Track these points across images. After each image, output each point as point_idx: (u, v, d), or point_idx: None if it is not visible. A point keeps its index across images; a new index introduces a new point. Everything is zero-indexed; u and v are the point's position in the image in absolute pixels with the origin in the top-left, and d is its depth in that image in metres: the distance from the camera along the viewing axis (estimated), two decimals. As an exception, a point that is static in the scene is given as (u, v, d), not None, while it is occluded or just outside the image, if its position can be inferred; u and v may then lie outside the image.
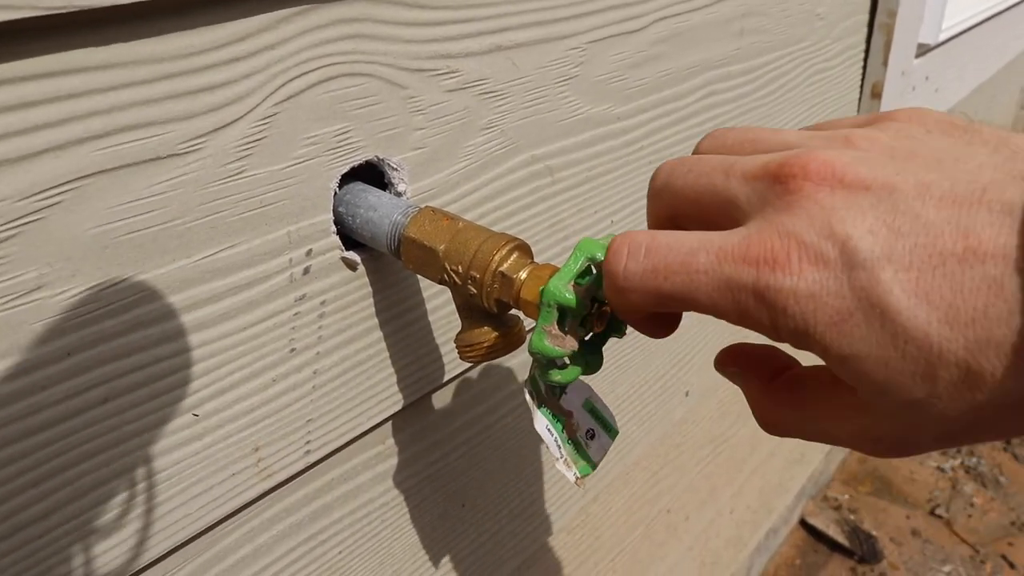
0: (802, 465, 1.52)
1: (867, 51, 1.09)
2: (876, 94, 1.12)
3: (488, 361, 0.44)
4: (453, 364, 0.58)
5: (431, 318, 0.54)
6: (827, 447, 1.60)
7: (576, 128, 0.62)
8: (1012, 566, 1.51)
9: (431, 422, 0.60)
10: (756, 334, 0.27)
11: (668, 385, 0.93)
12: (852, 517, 1.62)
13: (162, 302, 0.39)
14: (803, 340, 0.25)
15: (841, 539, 1.56)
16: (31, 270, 0.34)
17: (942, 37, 1.29)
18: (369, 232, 0.45)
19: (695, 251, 0.27)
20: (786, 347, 0.30)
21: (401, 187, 0.49)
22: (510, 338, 0.43)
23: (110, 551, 0.41)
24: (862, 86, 1.12)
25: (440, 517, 0.64)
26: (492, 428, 0.66)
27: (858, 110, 1.13)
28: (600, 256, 0.36)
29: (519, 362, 0.67)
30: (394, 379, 0.54)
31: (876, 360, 0.24)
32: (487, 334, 0.43)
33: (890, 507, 1.65)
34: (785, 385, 0.31)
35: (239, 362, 0.44)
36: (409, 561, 0.62)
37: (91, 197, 0.35)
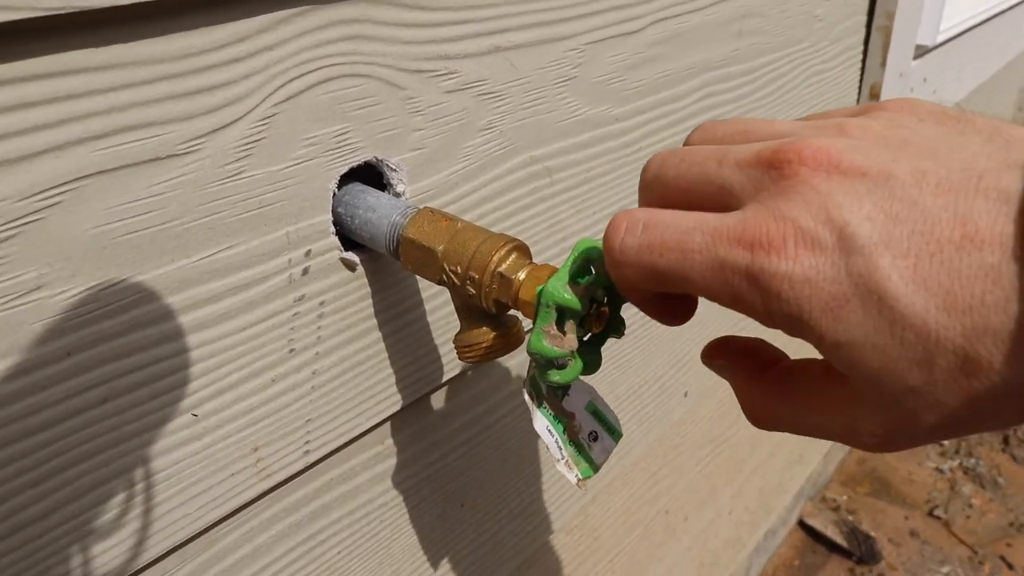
0: (801, 466, 1.52)
1: (865, 52, 1.10)
2: (874, 95, 1.12)
3: (487, 361, 0.44)
4: (452, 364, 0.58)
5: (430, 319, 0.54)
6: (825, 447, 1.60)
7: (575, 129, 0.62)
8: (1011, 567, 1.51)
9: (430, 422, 0.60)
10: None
11: (667, 386, 0.93)
12: (851, 518, 1.62)
13: (161, 302, 0.39)
14: (796, 326, 0.25)
15: (839, 540, 1.56)
16: (31, 270, 0.34)
17: (940, 39, 1.30)
18: (368, 233, 0.45)
19: (691, 230, 0.27)
20: (776, 339, 0.30)
21: (400, 188, 0.49)
22: (509, 338, 0.43)
23: (109, 551, 0.41)
24: (860, 87, 1.12)
25: (439, 517, 0.64)
26: (491, 428, 0.66)
27: (856, 111, 1.13)
28: (597, 257, 0.36)
29: (518, 362, 0.67)
30: (393, 379, 0.54)
31: (873, 347, 0.24)
32: (486, 334, 0.43)
33: (888, 508, 1.65)
34: (775, 378, 0.31)
35: (238, 362, 0.44)
36: (408, 561, 0.62)
37: (90, 197, 0.35)
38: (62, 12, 0.31)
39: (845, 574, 1.52)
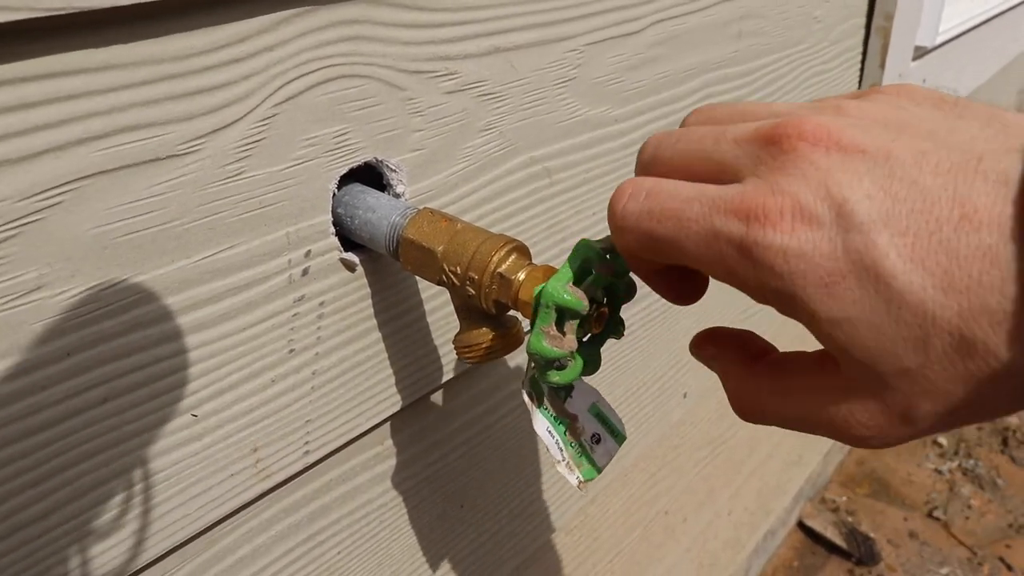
0: (800, 467, 1.52)
1: (864, 54, 1.10)
2: (873, 97, 1.12)
3: (487, 362, 0.44)
4: (451, 365, 0.58)
5: (429, 319, 0.54)
6: (824, 448, 1.60)
7: (574, 130, 0.62)
8: (1010, 568, 1.51)
9: (430, 423, 0.60)
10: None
11: (666, 387, 0.93)
12: (850, 519, 1.62)
13: (161, 303, 0.39)
14: (788, 302, 0.25)
15: (839, 541, 1.56)
16: (31, 270, 0.34)
17: (939, 40, 1.30)
18: (368, 233, 0.45)
19: (690, 200, 0.27)
20: (763, 330, 0.29)
21: (400, 188, 0.49)
22: (508, 339, 0.43)
23: (109, 551, 0.41)
24: (859, 88, 1.12)
25: (439, 518, 0.64)
26: (491, 429, 0.66)
27: (855, 112, 1.13)
28: (597, 258, 0.36)
29: (518, 363, 0.67)
30: (392, 380, 0.54)
31: (868, 325, 0.23)
32: (485, 335, 0.43)
33: (888, 509, 1.65)
34: (764, 369, 0.30)
35: (238, 363, 0.44)
36: (408, 562, 0.62)
37: (91, 198, 0.35)
38: (62, 12, 0.31)
39: (844, 575, 1.52)
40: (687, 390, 0.98)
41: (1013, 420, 1.83)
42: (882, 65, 1.10)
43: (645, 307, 0.83)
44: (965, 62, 1.50)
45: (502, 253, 0.40)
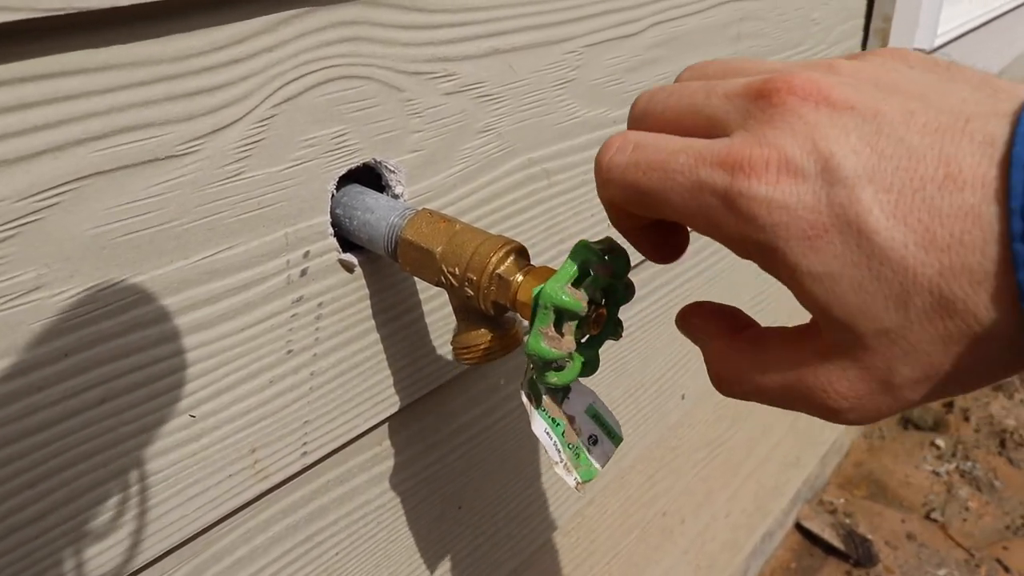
0: (798, 469, 1.52)
1: (863, 56, 1.10)
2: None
3: (485, 363, 0.44)
4: (450, 366, 0.58)
5: (428, 320, 0.54)
6: (823, 450, 1.60)
7: (573, 131, 0.62)
8: (1007, 570, 1.51)
9: (428, 424, 0.60)
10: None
11: (664, 388, 0.93)
12: (847, 521, 1.62)
13: (160, 303, 0.39)
14: (770, 255, 0.25)
15: (836, 543, 1.56)
16: (29, 271, 0.34)
17: (937, 42, 1.30)
18: (366, 234, 0.45)
19: (676, 151, 0.27)
20: (748, 306, 0.30)
21: (398, 189, 0.49)
22: (507, 340, 0.43)
23: (106, 552, 0.41)
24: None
25: (437, 519, 0.64)
26: (489, 430, 0.66)
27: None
28: (595, 260, 0.36)
29: (516, 364, 0.67)
30: (391, 381, 0.54)
31: (849, 281, 0.23)
32: (484, 336, 0.43)
33: (885, 511, 1.65)
34: (745, 342, 0.30)
35: (236, 363, 0.44)
36: (406, 563, 0.62)
37: (89, 198, 0.35)
38: (61, 13, 0.31)
39: (842, 577, 1.52)
40: (685, 392, 0.98)
41: (1011, 422, 1.83)
42: (880, 67, 1.10)
43: (644, 308, 0.83)
44: (964, 64, 1.50)
45: (501, 254, 0.40)
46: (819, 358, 0.26)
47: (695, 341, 0.33)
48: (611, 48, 0.63)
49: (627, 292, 0.39)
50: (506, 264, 0.40)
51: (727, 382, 0.30)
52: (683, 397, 0.98)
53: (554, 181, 0.62)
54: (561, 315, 0.36)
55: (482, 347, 0.43)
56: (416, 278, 0.51)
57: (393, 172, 0.48)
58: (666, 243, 0.33)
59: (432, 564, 0.65)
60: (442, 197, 0.52)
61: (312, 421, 0.49)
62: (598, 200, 0.68)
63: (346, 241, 0.47)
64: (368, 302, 0.50)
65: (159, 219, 0.38)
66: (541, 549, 0.81)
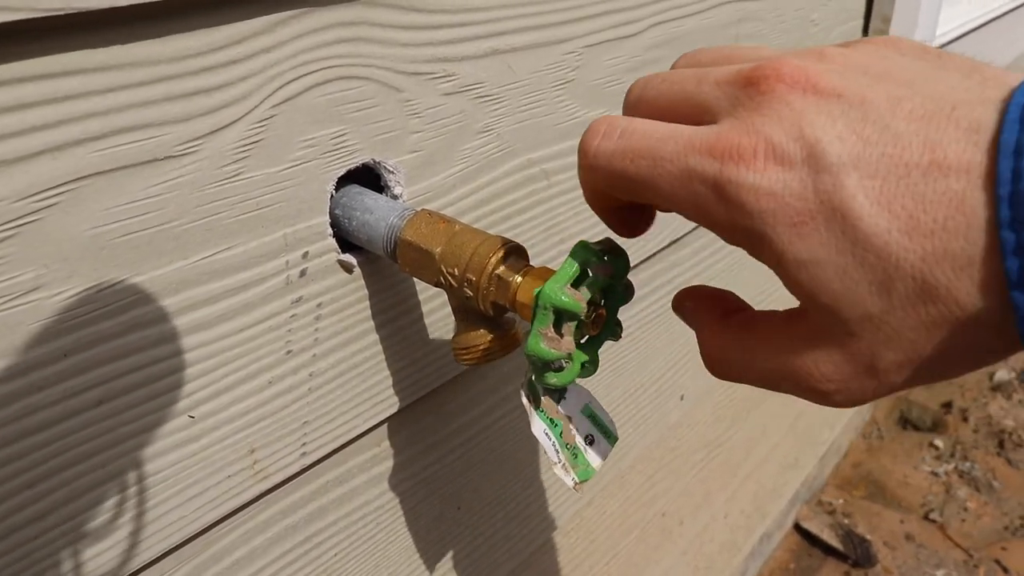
0: (796, 470, 1.52)
1: (861, 57, 1.10)
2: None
3: (484, 364, 0.44)
4: (449, 367, 0.58)
5: (427, 321, 0.54)
6: (821, 450, 1.61)
7: (572, 132, 0.62)
8: (1005, 570, 1.51)
9: (427, 425, 0.60)
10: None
11: (663, 389, 0.93)
12: (846, 521, 1.62)
13: (159, 304, 0.39)
14: (758, 242, 0.25)
15: (835, 543, 1.56)
16: (28, 271, 0.34)
17: (937, 43, 1.30)
18: (365, 235, 0.45)
19: (665, 139, 0.27)
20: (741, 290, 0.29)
21: (397, 190, 0.49)
22: (506, 341, 0.43)
23: (105, 553, 0.41)
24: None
25: (436, 520, 0.64)
26: (488, 431, 0.66)
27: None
28: (595, 260, 0.36)
29: (515, 365, 0.67)
30: (390, 382, 0.54)
31: (834, 267, 0.24)
32: (483, 337, 0.43)
33: (884, 511, 1.65)
34: (737, 323, 0.31)
35: (235, 364, 0.44)
36: (404, 564, 0.62)
37: (88, 199, 0.35)
38: (61, 13, 0.31)
39: (841, 577, 1.52)
40: (684, 392, 0.98)
41: (1009, 423, 1.83)
42: (879, 68, 1.10)
43: (643, 309, 0.83)
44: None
45: (500, 255, 0.40)
46: (806, 342, 0.26)
47: (689, 324, 0.33)
48: (611, 49, 0.63)
49: (626, 293, 0.39)
50: (505, 265, 0.40)
51: (718, 364, 0.31)
52: (682, 398, 0.98)
53: (553, 182, 0.62)
54: (560, 316, 0.36)
55: (481, 348, 0.43)
56: (415, 279, 0.51)
57: (392, 173, 0.48)
58: (635, 219, 0.34)
59: (431, 565, 0.65)
60: (441, 198, 0.52)
61: (311, 422, 0.49)
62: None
63: (345, 242, 0.47)
64: (367, 303, 0.50)
65: (158, 220, 0.38)
66: (540, 550, 0.81)
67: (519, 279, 0.39)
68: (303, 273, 0.46)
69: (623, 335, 0.40)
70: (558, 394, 0.43)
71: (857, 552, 1.54)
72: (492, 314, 0.42)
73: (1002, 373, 1.94)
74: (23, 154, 0.33)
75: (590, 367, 0.39)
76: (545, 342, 0.36)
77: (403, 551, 0.62)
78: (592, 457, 0.44)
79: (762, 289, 1.06)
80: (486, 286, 0.40)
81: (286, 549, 0.52)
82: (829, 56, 0.27)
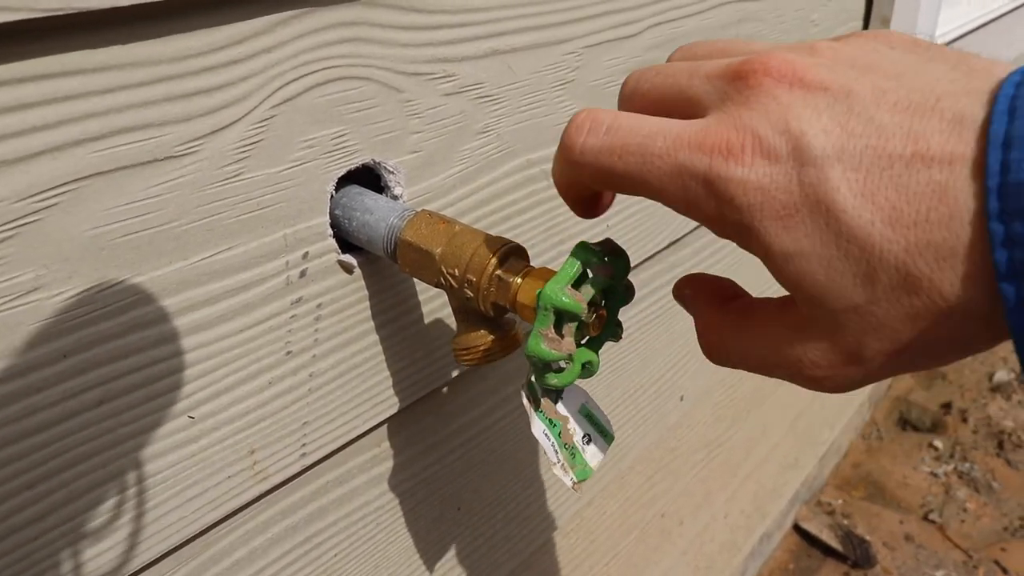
0: (796, 470, 1.52)
1: (861, 57, 1.10)
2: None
3: (484, 364, 0.44)
4: (449, 367, 0.58)
5: (427, 321, 0.54)
6: (821, 451, 1.61)
7: (572, 132, 0.62)
8: (1005, 571, 1.51)
9: (427, 425, 0.60)
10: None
11: (663, 389, 0.93)
12: (845, 522, 1.62)
13: (159, 304, 0.39)
14: (746, 235, 0.25)
15: (834, 544, 1.56)
16: (28, 271, 0.34)
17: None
18: (365, 235, 0.45)
19: (653, 135, 0.27)
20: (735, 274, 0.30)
21: (398, 190, 0.49)
22: (506, 341, 0.43)
23: (105, 553, 0.41)
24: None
25: (435, 521, 0.64)
26: (488, 431, 0.66)
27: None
28: (595, 261, 0.36)
29: (515, 366, 0.67)
30: (390, 382, 0.54)
31: (819, 259, 0.24)
32: (483, 337, 0.43)
33: (883, 512, 1.65)
34: (733, 310, 0.31)
35: (235, 364, 0.44)
36: (404, 564, 0.62)
37: (88, 199, 0.35)
38: (61, 13, 0.31)
39: (840, 578, 1.52)
40: (684, 393, 0.98)
41: (1009, 424, 1.83)
42: (879, 69, 1.10)
43: (643, 309, 0.83)
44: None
45: (500, 255, 0.40)
46: (796, 330, 0.27)
47: (688, 310, 0.34)
48: (610, 49, 0.63)
49: (627, 293, 0.39)
50: (505, 265, 0.40)
51: (715, 350, 0.31)
52: (682, 398, 0.98)
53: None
54: (561, 317, 0.36)
55: (482, 348, 0.43)
56: (415, 279, 0.51)
57: (392, 173, 0.48)
58: (597, 204, 0.34)
59: (431, 565, 0.65)
60: (441, 198, 0.52)
61: (311, 422, 0.49)
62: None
63: (345, 242, 0.47)
64: (367, 303, 0.50)
65: (158, 220, 0.38)
66: (540, 550, 0.81)
67: (519, 280, 0.39)
68: (303, 274, 0.45)
69: (623, 336, 0.40)
70: (556, 394, 0.43)
71: (856, 553, 1.54)
72: (492, 315, 0.42)
73: (1002, 374, 1.94)
74: (23, 154, 0.33)
75: (590, 368, 0.39)
76: (546, 343, 0.36)
77: (403, 552, 0.62)
78: (590, 456, 0.44)
79: (762, 289, 1.06)
80: (486, 287, 0.40)
81: (286, 550, 0.52)
82: (819, 50, 0.27)
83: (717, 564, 1.29)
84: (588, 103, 0.62)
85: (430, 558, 0.65)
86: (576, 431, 0.44)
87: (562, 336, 0.36)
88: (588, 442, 0.44)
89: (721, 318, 0.31)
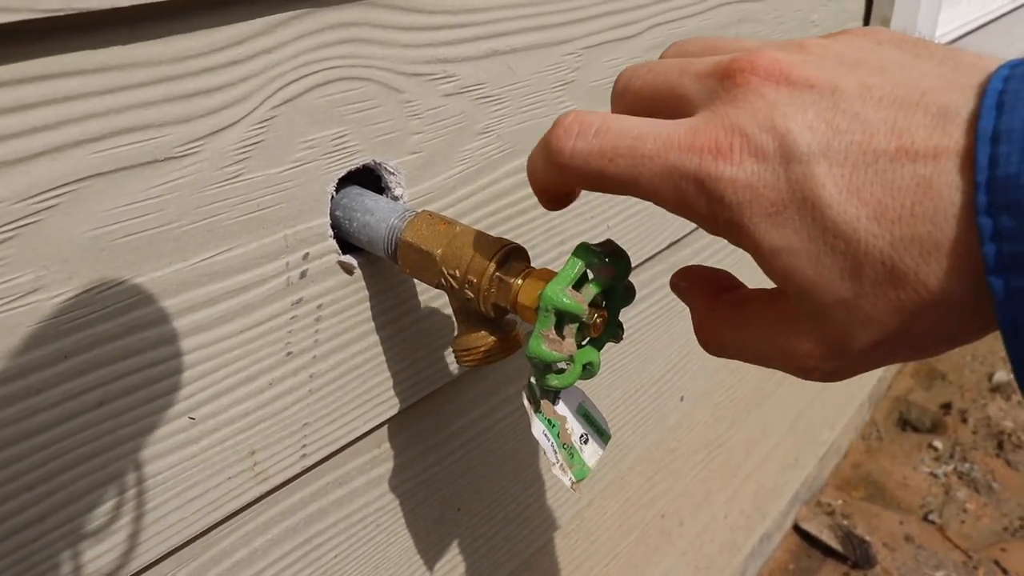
0: (796, 470, 1.52)
1: (861, 58, 1.10)
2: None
3: (485, 365, 0.44)
4: (449, 368, 0.58)
5: (427, 322, 0.54)
6: (821, 451, 1.61)
7: (572, 133, 0.62)
8: (1005, 572, 1.51)
9: (427, 426, 0.60)
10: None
11: (663, 390, 0.93)
12: (845, 522, 1.62)
13: (159, 305, 0.39)
14: (736, 232, 0.26)
15: (834, 544, 1.56)
16: (28, 272, 0.34)
17: (935, 44, 1.30)
18: (366, 236, 0.45)
19: (643, 137, 0.27)
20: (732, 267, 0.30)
21: (398, 191, 0.49)
22: (507, 342, 0.43)
23: (105, 555, 0.41)
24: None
25: (435, 522, 0.64)
26: (488, 432, 0.66)
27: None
28: (596, 262, 0.36)
29: (516, 367, 0.67)
30: (390, 383, 0.53)
31: (807, 255, 0.24)
32: (484, 338, 0.43)
33: (883, 512, 1.65)
34: (729, 302, 0.31)
35: (235, 365, 0.44)
36: (404, 565, 0.62)
37: (88, 200, 0.35)
38: (61, 14, 0.31)
39: (840, 578, 1.52)
40: (684, 394, 0.98)
41: (1008, 424, 1.83)
42: (879, 69, 1.10)
43: (643, 310, 0.83)
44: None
45: (501, 256, 0.40)
46: (788, 322, 0.27)
47: (684, 301, 0.34)
48: (610, 50, 0.63)
49: (627, 294, 0.38)
50: (506, 266, 0.40)
51: (712, 341, 0.32)
52: (682, 399, 0.98)
53: (553, 183, 0.61)
54: (562, 318, 0.36)
55: (482, 349, 0.43)
56: (416, 280, 0.51)
57: (393, 174, 0.48)
58: (568, 199, 0.34)
59: (431, 566, 0.65)
60: (442, 199, 0.52)
61: (311, 423, 0.49)
62: (598, 202, 0.68)
63: (346, 243, 0.47)
64: (368, 304, 0.50)
65: (158, 221, 0.38)
66: (540, 551, 0.81)
67: (520, 281, 0.39)
68: (303, 274, 0.45)
69: (624, 337, 0.40)
70: (554, 395, 0.43)
71: (856, 553, 1.54)
72: (493, 316, 0.42)
73: (1001, 374, 1.95)
74: (23, 155, 0.33)
75: (591, 369, 0.39)
76: (547, 344, 0.36)
77: (403, 552, 0.62)
78: (588, 456, 0.44)
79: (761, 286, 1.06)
80: (487, 288, 0.40)
81: (286, 551, 0.52)
82: (807, 47, 0.27)
83: (717, 564, 1.29)
84: (588, 103, 0.62)
85: (430, 559, 0.65)
86: (574, 431, 0.44)
87: (563, 337, 0.36)
88: (586, 441, 0.44)
89: (717, 310, 0.32)
